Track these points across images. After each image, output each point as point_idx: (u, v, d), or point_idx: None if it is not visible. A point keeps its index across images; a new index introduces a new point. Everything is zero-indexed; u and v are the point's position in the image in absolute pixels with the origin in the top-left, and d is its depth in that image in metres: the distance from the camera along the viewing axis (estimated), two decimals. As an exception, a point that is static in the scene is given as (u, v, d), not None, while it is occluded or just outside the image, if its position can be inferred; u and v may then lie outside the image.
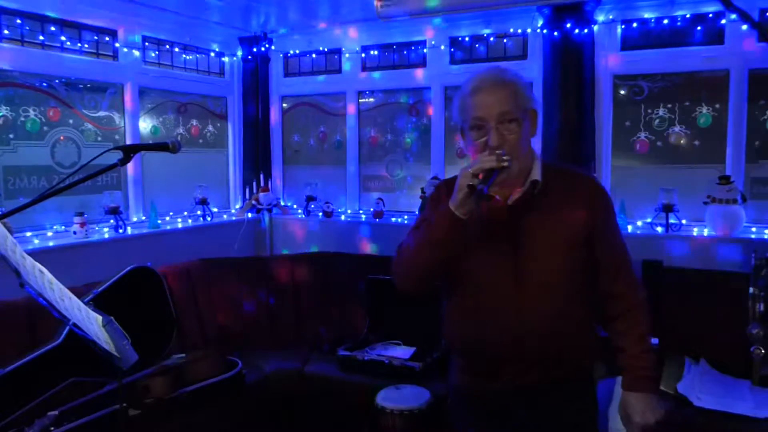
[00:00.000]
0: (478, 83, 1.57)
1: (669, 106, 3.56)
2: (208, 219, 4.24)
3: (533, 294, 1.57)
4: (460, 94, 1.62)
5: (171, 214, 4.15)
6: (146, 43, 3.96)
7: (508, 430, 1.67)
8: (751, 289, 2.78)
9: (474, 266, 1.61)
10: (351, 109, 4.42)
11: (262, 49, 4.50)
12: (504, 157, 1.45)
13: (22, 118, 3.29)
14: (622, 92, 3.67)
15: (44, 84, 3.39)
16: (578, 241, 1.61)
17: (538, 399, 1.63)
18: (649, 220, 3.57)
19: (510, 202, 1.62)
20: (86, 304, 1.29)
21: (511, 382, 1.62)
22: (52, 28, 3.39)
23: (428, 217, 1.63)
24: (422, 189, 4.04)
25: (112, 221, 3.58)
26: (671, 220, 3.41)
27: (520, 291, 1.57)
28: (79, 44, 3.54)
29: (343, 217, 4.36)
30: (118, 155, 1.51)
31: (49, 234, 3.36)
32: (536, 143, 3.75)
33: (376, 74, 4.31)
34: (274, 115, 4.68)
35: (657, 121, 3.59)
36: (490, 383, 1.64)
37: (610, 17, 3.58)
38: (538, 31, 3.68)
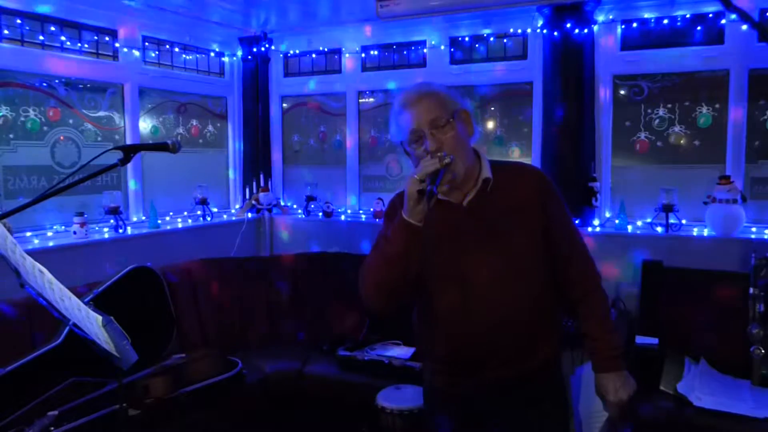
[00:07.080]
0: (405, 100, 1.66)
1: (669, 106, 3.56)
2: (208, 219, 4.23)
3: (499, 290, 1.62)
4: (392, 115, 1.69)
5: (171, 214, 4.15)
6: (146, 43, 3.96)
7: (483, 425, 1.72)
8: (751, 289, 2.79)
9: (439, 271, 1.66)
10: (351, 109, 4.42)
11: (262, 49, 4.50)
12: (445, 156, 1.51)
13: (22, 118, 3.29)
14: (622, 92, 3.67)
15: (44, 84, 3.39)
16: (536, 231, 1.66)
17: (511, 392, 1.69)
18: (649, 220, 3.57)
19: (465, 204, 1.67)
20: (86, 304, 1.29)
21: (485, 379, 1.67)
22: (52, 28, 3.39)
23: (386, 232, 1.65)
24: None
25: (112, 221, 3.58)
26: (671, 220, 3.41)
27: (485, 288, 1.62)
28: (79, 44, 3.54)
29: (343, 217, 4.36)
30: (118, 155, 1.51)
31: (49, 234, 3.36)
32: (536, 143, 3.81)
33: (376, 74, 4.31)
34: (274, 115, 4.68)
35: (657, 121, 3.59)
36: (463, 381, 1.71)
37: (610, 17, 3.58)
38: (538, 31, 3.68)
